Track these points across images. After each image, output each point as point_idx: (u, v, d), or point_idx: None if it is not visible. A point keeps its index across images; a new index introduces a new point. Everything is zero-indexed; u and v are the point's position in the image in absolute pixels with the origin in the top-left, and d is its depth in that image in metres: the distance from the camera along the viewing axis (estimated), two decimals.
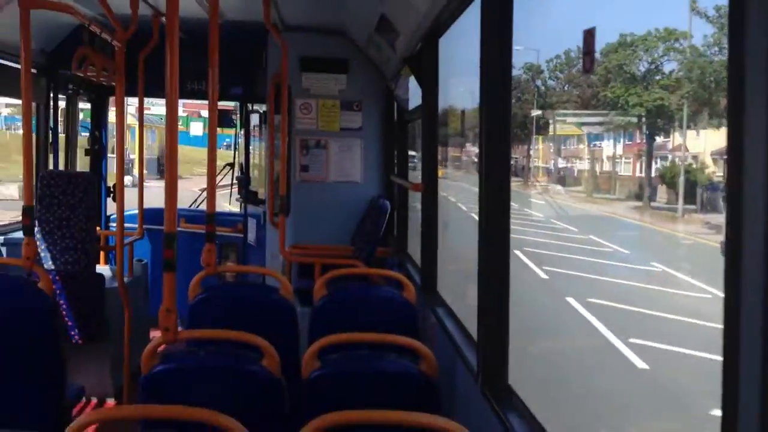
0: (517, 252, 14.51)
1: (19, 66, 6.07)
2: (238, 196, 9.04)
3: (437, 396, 3.17)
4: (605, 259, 17.06)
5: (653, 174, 19.57)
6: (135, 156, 11.75)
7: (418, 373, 3.16)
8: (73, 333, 5.76)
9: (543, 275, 14.96)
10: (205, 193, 5.39)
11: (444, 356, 3.73)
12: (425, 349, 3.28)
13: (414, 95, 6.39)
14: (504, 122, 3.01)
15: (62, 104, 7.98)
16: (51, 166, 7.44)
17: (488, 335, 3.11)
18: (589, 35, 2.55)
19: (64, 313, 5.68)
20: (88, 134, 8.68)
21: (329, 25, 7.16)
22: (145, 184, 7.25)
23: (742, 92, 1.27)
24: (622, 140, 21.03)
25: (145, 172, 7.51)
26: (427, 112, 4.91)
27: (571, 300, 12.69)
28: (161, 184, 3.64)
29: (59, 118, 7.74)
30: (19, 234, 6.76)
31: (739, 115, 1.29)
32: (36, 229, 5.69)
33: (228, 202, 10.38)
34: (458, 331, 3.98)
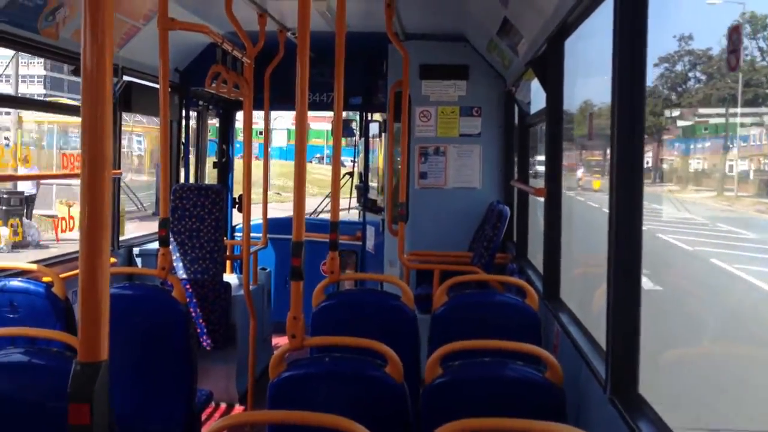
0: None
1: (153, 85, 6.43)
2: (357, 204, 9.18)
3: (563, 404, 3.07)
4: None
5: None
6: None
7: (543, 381, 3.07)
8: (202, 339, 5.98)
9: None
10: (326, 201, 5.50)
11: (569, 364, 3.61)
12: (550, 356, 3.19)
13: (536, 98, 6.28)
14: (637, 123, 2.89)
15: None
16: (182, 180, 7.79)
17: (618, 342, 2.98)
18: (735, 32, 2.41)
19: (194, 320, 5.91)
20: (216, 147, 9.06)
21: (450, 31, 7.16)
22: None
23: None
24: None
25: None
26: (551, 115, 4.79)
27: None
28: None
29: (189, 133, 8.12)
30: (152, 245, 7.14)
31: None
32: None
33: (347, 211, 10.55)
34: (584, 338, 3.85)
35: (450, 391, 3.15)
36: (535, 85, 5.75)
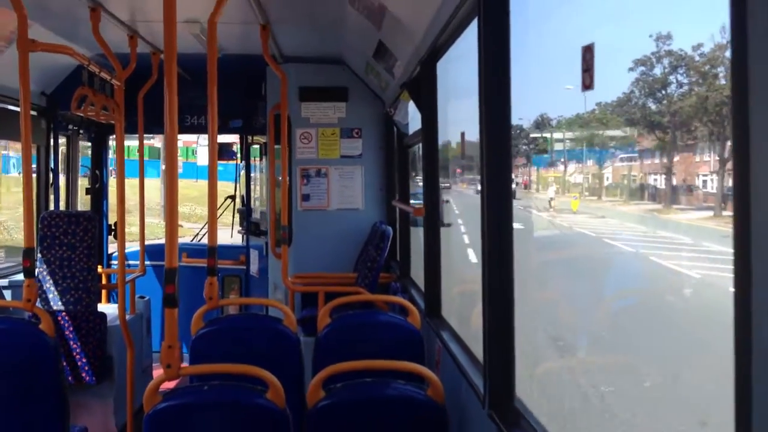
0: None
1: (18, 109, 6.12)
2: (240, 228, 9.03)
3: (445, 421, 3.12)
4: None
5: None
6: None
7: (425, 399, 3.11)
8: (75, 373, 5.71)
9: None
10: (206, 227, 5.38)
11: (450, 381, 3.68)
12: (431, 374, 3.23)
13: (413, 120, 6.40)
14: (504, 142, 2.99)
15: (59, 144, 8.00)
16: (52, 207, 7.43)
17: (494, 357, 3.06)
18: (588, 51, 2.54)
19: (67, 353, 5.64)
20: (88, 173, 8.69)
21: (327, 54, 7.20)
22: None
23: None
24: None
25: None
26: (427, 135, 4.90)
27: None
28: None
29: (59, 159, 7.76)
30: (20, 276, 6.75)
31: None
32: (38, 270, 5.66)
33: (230, 235, 10.36)
34: (464, 355, 3.93)
35: (333, 413, 3.14)
36: (412, 106, 5.87)
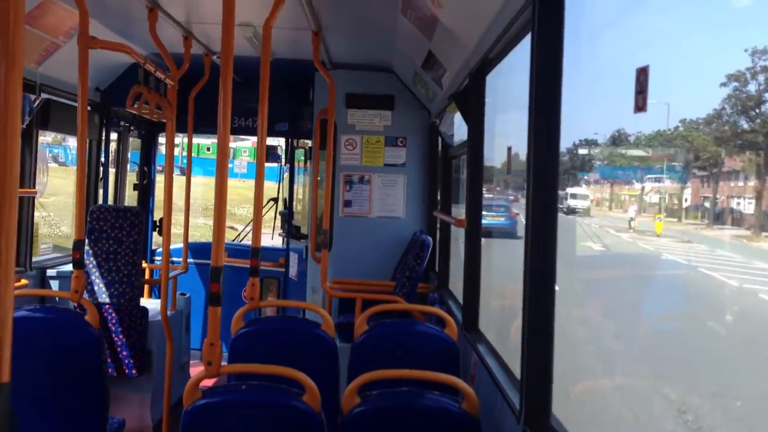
0: None
1: (73, 103, 6.27)
2: (281, 230, 9.12)
3: None
4: None
5: None
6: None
7: (459, 411, 3.10)
8: (117, 365, 5.80)
9: None
10: (249, 228, 5.45)
11: (485, 394, 3.66)
12: (466, 386, 3.22)
13: (459, 131, 6.40)
14: (552, 157, 2.98)
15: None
16: (100, 201, 7.59)
17: (531, 373, 3.04)
18: (642, 73, 2.52)
19: (109, 345, 5.74)
20: (136, 169, 8.87)
21: (376, 62, 7.25)
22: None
23: None
24: None
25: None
26: (472, 147, 4.89)
27: None
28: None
29: (110, 154, 7.93)
30: (68, 267, 6.91)
31: None
32: (85, 262, 5.78)
33: (271, 237, 10.46)
34: (500, 369, 3.91)
35: (367, 420, 3.14)
36: (459, 117, 5.87)
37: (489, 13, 3.79)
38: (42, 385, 4.03)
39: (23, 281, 6.19)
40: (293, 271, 8.46)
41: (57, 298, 6.24)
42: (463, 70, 4.91)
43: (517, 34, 3.64)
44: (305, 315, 6.49)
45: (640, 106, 2.55)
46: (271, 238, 10.39)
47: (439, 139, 7.17)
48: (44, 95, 6.06)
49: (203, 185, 22.29)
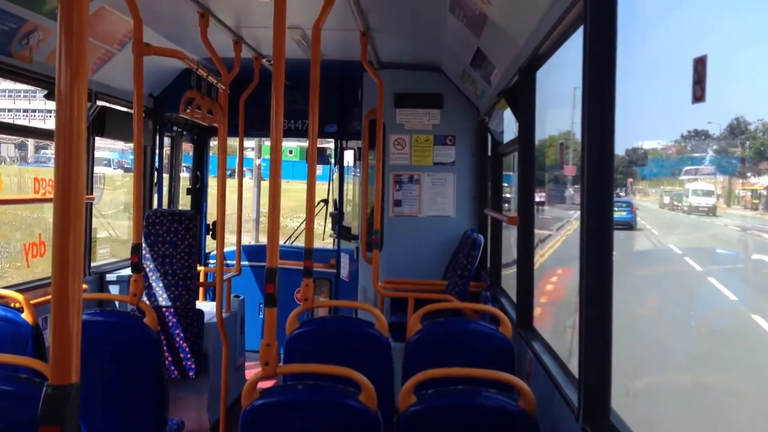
0: None
1: (126, 110, 6.41)
2: (332, 231, 9.17)
3: None
4: None
5: None
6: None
7: (517, 409, 3.07)
8: (174, 367, 5.90)
9: None
10: (300, 229, 5.50)
11: (542, 392, 3.62)
12: (523, 384, 3.20)
13: (508, 127, 6.35)
14: (607, 152, 2.94)
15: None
16: (155, 205, 7.75)
17: (590, 369, 3.00)
18: (700, 63, 2.46)
19: (166, 347, 5.85)
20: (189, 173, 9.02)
21: (424, 61, 7.24)
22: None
23: None
24: None
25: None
26: (523, 144, 4.85)
27: None
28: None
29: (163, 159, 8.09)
30: (124, 271, 7.07)
31: None
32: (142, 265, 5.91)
33: (321, 238, 10.53)
34: (556, 367, 3.86)
35: (424, 419, 3.14)
36: (508, 114, 5.83)
37: (539, 8, 3.75)
38: (103, 387, 4.12)
39: (83, 286, 6.35)
40: (344, 271, 8.49)
41: (116, 302, 6.38)
42: (512, 67, 4.87)
43: (568, 29, 3.59)
44: (357, 315, 6.52)
45: (698, 96, 2.49)
46: (323, 239, 10.45)
47: (489, 137, 7.12)
48: (99, 102, 6.21)
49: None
